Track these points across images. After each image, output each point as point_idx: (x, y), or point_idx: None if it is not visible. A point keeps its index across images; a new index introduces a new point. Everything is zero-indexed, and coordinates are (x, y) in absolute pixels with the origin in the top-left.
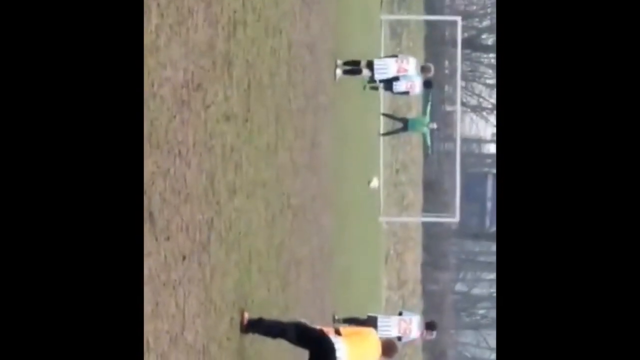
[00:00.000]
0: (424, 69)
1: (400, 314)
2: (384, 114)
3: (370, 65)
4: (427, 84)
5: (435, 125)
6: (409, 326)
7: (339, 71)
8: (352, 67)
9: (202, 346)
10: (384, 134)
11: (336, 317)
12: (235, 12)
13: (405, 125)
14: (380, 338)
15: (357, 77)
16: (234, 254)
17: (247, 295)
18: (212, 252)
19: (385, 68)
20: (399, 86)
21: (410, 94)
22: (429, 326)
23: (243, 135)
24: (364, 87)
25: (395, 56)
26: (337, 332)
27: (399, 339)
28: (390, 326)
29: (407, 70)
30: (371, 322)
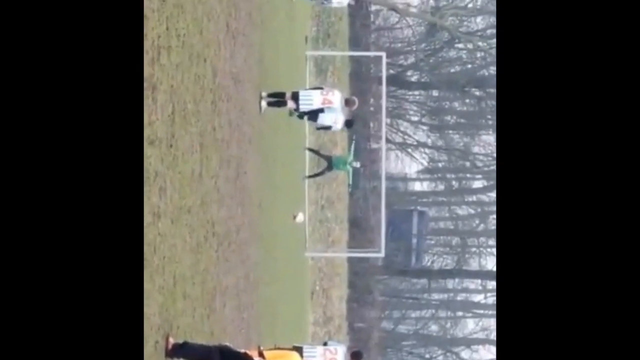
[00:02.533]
0: (348, 102)
1: (325, 344)
2: (308, 149)
3: (295, 97)
4: (348, 124)
5: (358, 164)
6: (334, 356)
7: (264, 103)
8: (277, 99)
9: None
10: (309, 177)
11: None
12: (159, 36)
13: (330, 164)
14: None
15: (283, 108)
16: (158, 277)
17: (172, 320)
18: None
19: (311, 99)
20: (324, 119)
21: (333, 129)
22: (355, 356)
23: (167, 160)
24: (290, 114)
25: (320, 88)
26: (261, 355)
27: None
28: (315, 356)
29: (332, 102)
30: (297, 352)
